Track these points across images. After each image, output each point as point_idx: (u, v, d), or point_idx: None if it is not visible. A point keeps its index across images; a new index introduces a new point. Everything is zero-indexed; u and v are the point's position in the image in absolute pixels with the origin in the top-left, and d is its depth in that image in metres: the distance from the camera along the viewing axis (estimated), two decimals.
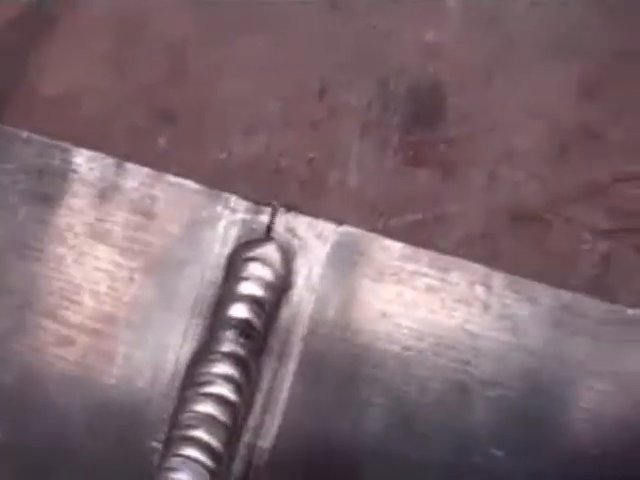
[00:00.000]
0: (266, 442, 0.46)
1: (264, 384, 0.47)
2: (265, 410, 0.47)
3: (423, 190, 0.49)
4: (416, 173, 0.49)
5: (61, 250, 0.49)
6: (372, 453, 0.46)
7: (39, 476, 0.47)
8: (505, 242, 0.48)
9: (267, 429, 0.46)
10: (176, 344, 0.47)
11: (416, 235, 0.48)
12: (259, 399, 0.47)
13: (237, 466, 0.46)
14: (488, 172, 0.49)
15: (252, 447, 0.46)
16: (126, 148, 0.50)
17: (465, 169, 0.49)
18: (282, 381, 0.47)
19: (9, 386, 0.48)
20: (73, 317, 0.48)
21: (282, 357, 0.47)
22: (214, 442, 0.45)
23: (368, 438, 0.46)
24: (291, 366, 0.47)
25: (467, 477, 0.45)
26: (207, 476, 0.45)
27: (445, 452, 0.45)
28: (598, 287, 0.47)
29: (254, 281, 0.47)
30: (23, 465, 0.48)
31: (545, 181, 0.49)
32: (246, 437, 0.46)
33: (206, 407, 0.46)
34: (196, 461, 0.45)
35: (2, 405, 0.48)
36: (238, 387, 0.46)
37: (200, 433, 0.45)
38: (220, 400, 0.46)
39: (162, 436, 0.47)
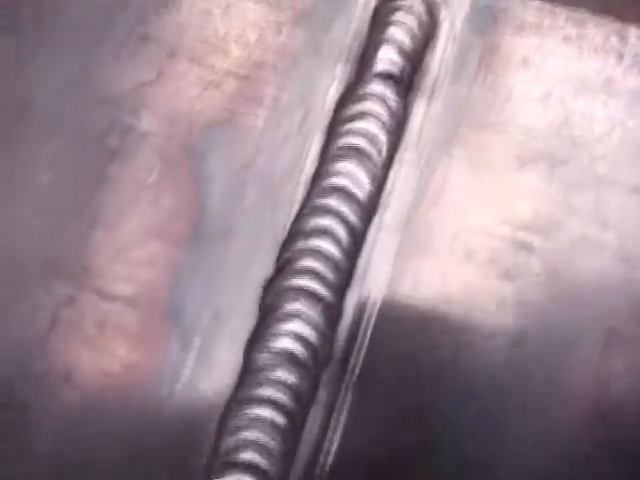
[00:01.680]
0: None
1: (412, 124, 0.48)
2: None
3: None
4: None
5: (207, 5, 0.50)
6: None
7: None
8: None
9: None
10: (324, 87, 0.49)
11: None
12: (406, 138, 0.48)
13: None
14: None
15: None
16: None
17: None
18: (431, 120, 0.48)
19: (155, 129, 0.49)
20: (220, 63, 0.49)
21: (429, 98, 0.49)
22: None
23: None
24: (438, 106, 0.49)
25: None
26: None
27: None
28: None
29: (400, 27, 0.49)
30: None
31: None
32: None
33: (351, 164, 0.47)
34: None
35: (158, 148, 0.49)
36: (385, 123, 0.48)
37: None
38: (368, 134, 0.47)
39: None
